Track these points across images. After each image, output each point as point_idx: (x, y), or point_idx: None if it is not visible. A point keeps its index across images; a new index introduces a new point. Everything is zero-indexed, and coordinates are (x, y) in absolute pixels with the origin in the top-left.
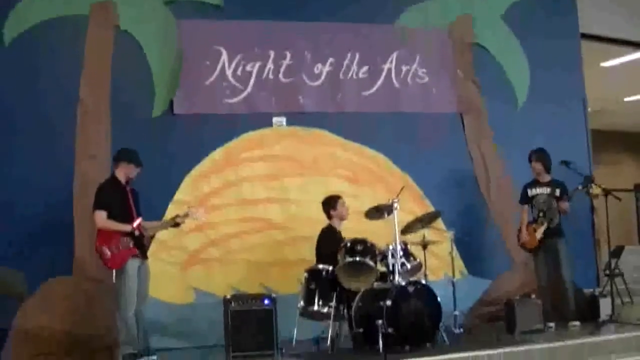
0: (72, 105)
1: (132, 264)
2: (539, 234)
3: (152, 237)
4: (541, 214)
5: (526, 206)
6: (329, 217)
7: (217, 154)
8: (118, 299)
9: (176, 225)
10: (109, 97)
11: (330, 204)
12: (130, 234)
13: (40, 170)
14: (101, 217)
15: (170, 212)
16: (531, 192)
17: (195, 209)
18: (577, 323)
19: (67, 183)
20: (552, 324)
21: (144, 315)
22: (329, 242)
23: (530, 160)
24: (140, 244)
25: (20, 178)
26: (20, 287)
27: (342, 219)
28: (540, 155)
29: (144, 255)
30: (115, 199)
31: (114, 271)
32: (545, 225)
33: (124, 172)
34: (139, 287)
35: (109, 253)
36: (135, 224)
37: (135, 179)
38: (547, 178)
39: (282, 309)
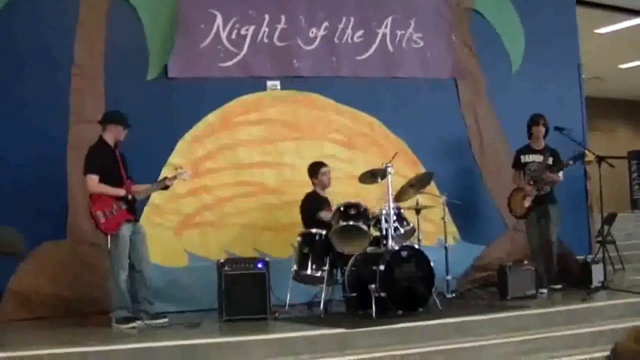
0: (67, 67)
1: (126, 228)
2: (527, 202)
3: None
4: (532, 182)
5: (515, 171)
6: (312, 183)
7: (212, 117)
8: (112, 263)
9: (165, 187)
10: (103, 60)
11: (312, 171)
12: (123, 199)
13: (33, 135)
14: (93, 181)
15: (164, 175)
16: (524, 158)
17: (182, 170)
18: (559, 286)
19: (60, 147)
20: (544, 290)
21: (147, 279)
22: (311, 207)
23: (534, 124)
24: (133, 208)
25: (13, 143)
26: (20, 247)
27: (323, 187)
28: (545, 120)
29: (136, 219)
30: (106, 162)
31: (108, 236)
32: (534, 194)
33: (112, 135)
34: (136, 251)
35: (103, 218)
36: (129, 188)
37: (127, 141)
38: (542, 144)
39: (275, 273)
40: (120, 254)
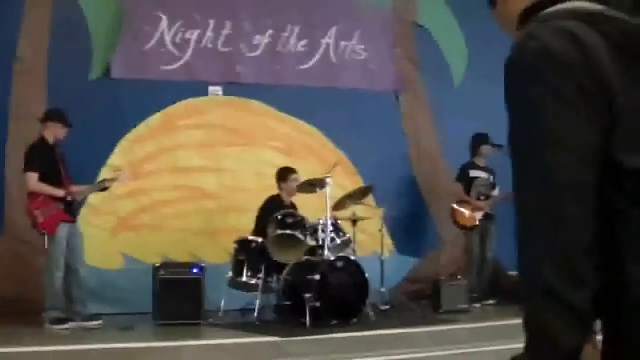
0: (9, 63)
1: (62, 229)
2: (479, 215)
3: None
4: (482, 197)
5: (460, 185)
6: (279, 187)
7: (153, 119)
8: (47, 262)
9: (104, 189)
10: (47, 57)
11: (282, 176)
12: (62, 199)
13: None
14: (33, 179)
15: (104, 175)
16: (472, 172)
17: (121, 172)
18: (492, 301)
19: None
20: (477, 305)
21: (81, 279)
22: (272, 212)
23: (484, 143)
24: (71, 209)
25: None
26: None
27: (289, 193)
28: (492, 142)
29: (74, 219)
30: (47, 160)
31: (45, 235)
32: (486, 209)
33: (52, 133)
34: (72, 251)
35: (42, 217)
36: (67, 189)
37: (67, 140)
38: (483, 162)
39: (211, 279)
40: (57, 254)
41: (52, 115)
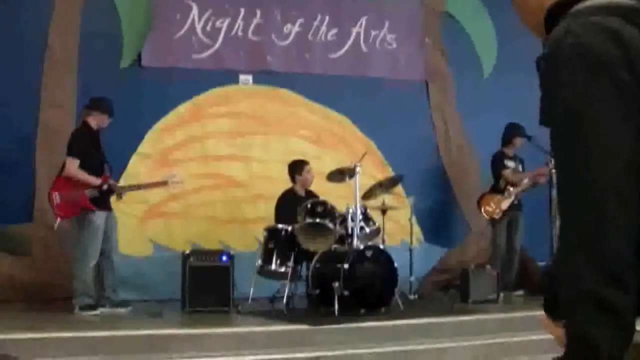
0: (40, 52)
1: (99, 217)
2: (505, 205)
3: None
4: (510, 187)
5: (507, 171)
6: (293, 180)
7: (183, 108)
8: (79, 249)
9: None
10: (78, 46)
11: (295, 168)
12: (98, 187)
13: (3, 117)
14: (73, 165)
15: (134, 163)
16: (507, 162)
17: (174, 176)
18: (520, 292)
19: (30, 130)
20: (501, 294)
21: (114, 266)
22: (287, 206)
23: (518, 135)
24: (106, 198)
25: None
26: None
27: (304, 185)
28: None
29: (109, 208)
30: (90, 148)
31: (73, 220)
32: (513, 198)
33: (96, 122)
34: (107, 239)
35: (59, 199)
36: (108, 181)
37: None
38: (512, 152)
39: (239, 267)
40: (91, 242)
41: (98, 105)
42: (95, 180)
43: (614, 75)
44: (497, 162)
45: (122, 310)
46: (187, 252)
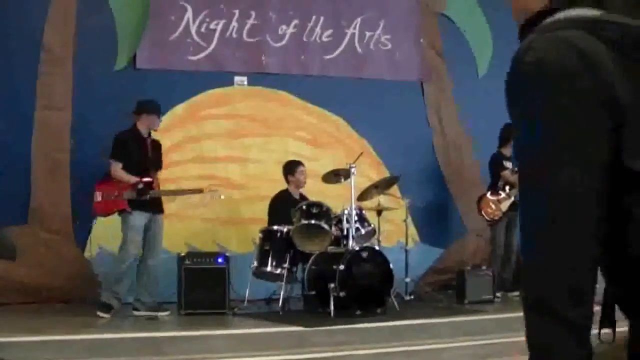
0: (36, 53)
1: (137, 218)
2: (505, 206)
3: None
4: (508, 188)
5: (506, 171)
6: (287, 181)
7: (180, 108)
8: (121, 247)
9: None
10: (73, 47)
11: (289, 169)
12: (135, 186)
13: None
14: (115, 168)
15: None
16: (505, 163)
17: (217, 192)
18: (517, 293)
19: (25, 131)
20: (500, 295)
21: (149, 271)
22: (280, 206)
23: (512, 134)
24: (143, 197)
25: None
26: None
27: (298, 186)
28: None
29: (153, 210)
30: (133, 151)
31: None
32: (512, 199)
33: (146, 124)
34: (147, 241)
35: (99, 198)
36: (143, 179)
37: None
38: (509, 153)
39: (235, 268)
40: (129, 241)
41: (146, 107)
42: (131, 178)
43: (573, 88)
44: (496, 163)
45: (162, 314)
46: (183, 254)
